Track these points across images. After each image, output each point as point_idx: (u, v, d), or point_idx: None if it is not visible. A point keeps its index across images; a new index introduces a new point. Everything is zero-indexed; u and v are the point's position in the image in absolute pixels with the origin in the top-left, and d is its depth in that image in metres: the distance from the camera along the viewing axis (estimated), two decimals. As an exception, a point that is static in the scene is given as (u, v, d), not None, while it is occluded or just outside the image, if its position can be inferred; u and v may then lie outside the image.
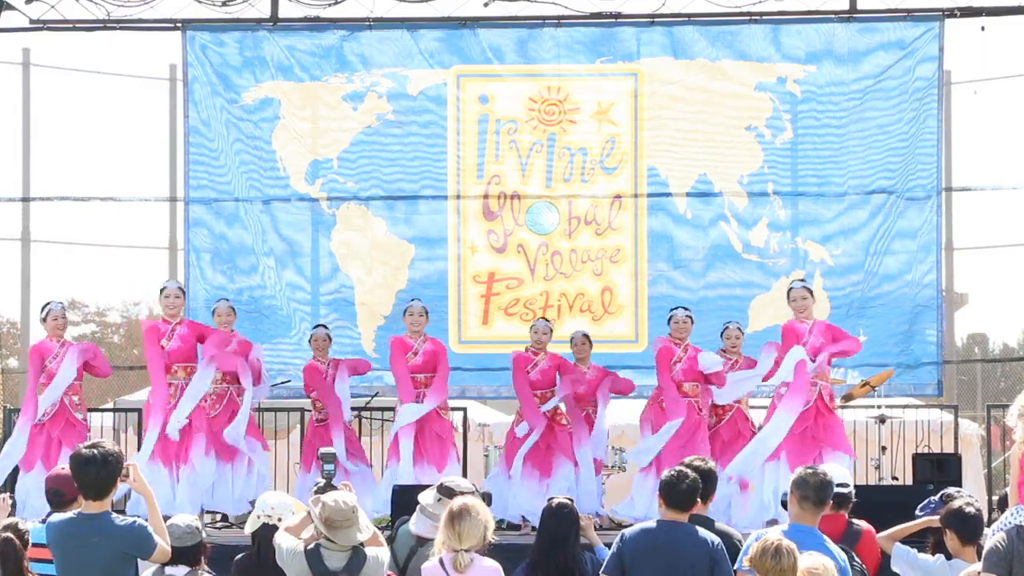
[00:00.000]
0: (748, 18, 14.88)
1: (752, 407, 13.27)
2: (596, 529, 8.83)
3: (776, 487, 11.62)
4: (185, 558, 7.38)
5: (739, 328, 13.30)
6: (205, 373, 12.64)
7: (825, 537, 7.33)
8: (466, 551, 7.01)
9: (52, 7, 14.96)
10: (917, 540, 8.28)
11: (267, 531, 7.41)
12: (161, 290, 13.08)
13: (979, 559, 7.14)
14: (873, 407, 14.08)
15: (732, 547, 7.64)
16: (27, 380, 13.08)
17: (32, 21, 15.17)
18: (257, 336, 14.09)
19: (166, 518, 7.45)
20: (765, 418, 12.48)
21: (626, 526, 9.10)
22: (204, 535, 7.51)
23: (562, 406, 12.97)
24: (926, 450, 14.61)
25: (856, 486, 8.97)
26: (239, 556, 7.68)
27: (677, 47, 15.07)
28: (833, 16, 14.98)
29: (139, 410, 14.59)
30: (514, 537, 12.06)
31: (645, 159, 15.10)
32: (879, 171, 14.84)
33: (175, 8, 15.13)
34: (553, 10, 14.96)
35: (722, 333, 13.25)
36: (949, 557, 7.84)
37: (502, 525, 12.35)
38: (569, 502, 8.15)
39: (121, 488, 7.51)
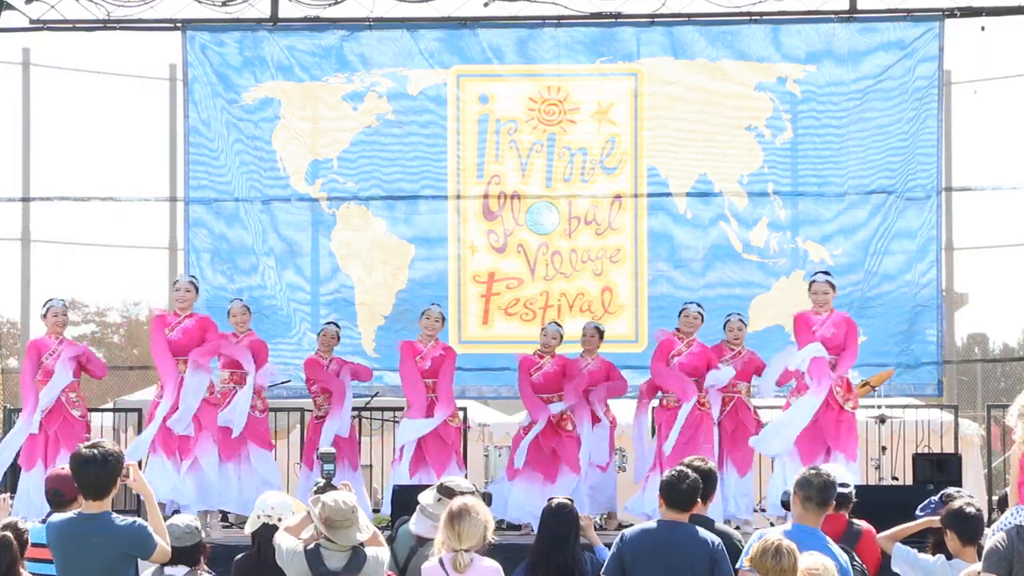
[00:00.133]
0: (748, 18, 14.88)
1: (758, 407, 13.26)
2: (596, 530, 8.83)
3: (785, 479, 11.56)
4: (185, 558, 7.38)
5: (741, 320, 13.27)
6: (194, 378, 12.53)
7: (828, 538, 7.33)
8: (466, 551, 7.00)
9: (52, 7, 14.97)
10: (917, 540, 8.27)
11: (267, 531, 7.41)
12: (173, 283, 13.31)
13: (979, 559, 7.14)
14: (873, 407, 14.06)
15: (732, 547, 7.65)
16: (22, 376, 13.07)
17: (32, 21, 15.17)
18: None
19: (167, 517, 7.46)
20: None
21: (626, 526, 9.10)
22: (204, 535, 7.51)
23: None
24: (926, 450, 14.60)
25: (856, 486, 8.96)
26: (239, 556, 7.68)
27: (677, 47, 15.08)
28: (833, 16, 14.98)
29: (139, 410, 14.60)
30: (514, 537, 12.07)
31: (645, 159, 15.10)
32: (879, 171, 14.85)
33: (175, 8, 15.15)
34: (553, 10, 14.96)
35: (725, 325, 13.23)
36: (949, 557, 7.84)
37: (502, 525, 12.34)
38: (569, 502, 8.15)
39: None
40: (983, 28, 14.81)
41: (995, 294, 25.86)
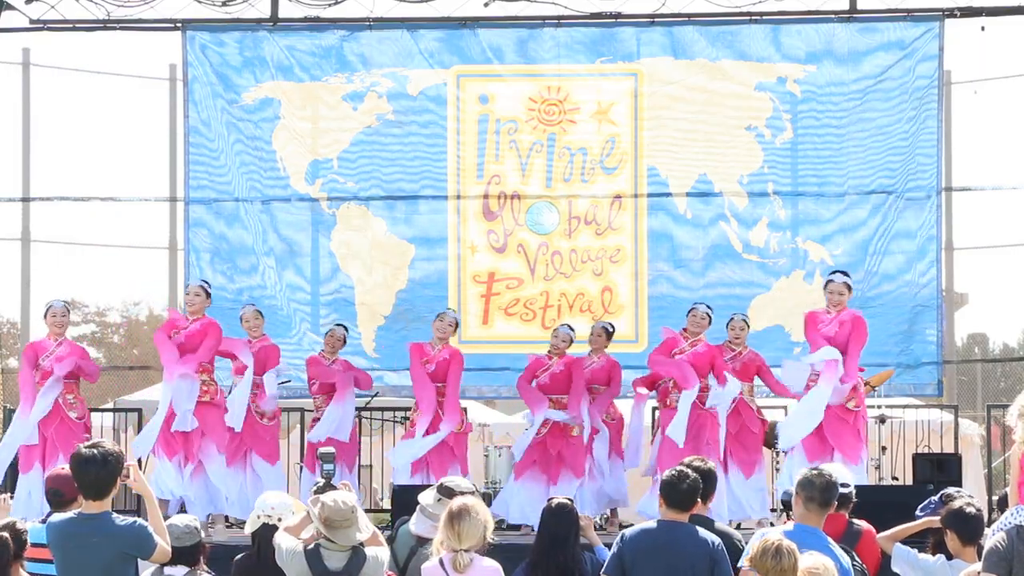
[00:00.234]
0: (748, 18, 14.88)
1: (763, 407, 13.26)
2: (596, 530, 8.82)
3: (790, 475, 11.54)
4: (184, 558, 7.39)
5: (744, 319, 13.25)
6: (183, 384, 12.48)
7: (829, 538, 7.33)
8: (466, 551, 7.01)
9: (52, 7, 14.97)
10: (917, 540, 8.28)
11: (267, 531, 7.41)
12: (186, 287, 13.41)
13: (979, 559, 7.14)
14: (873, 407, 14.05)
15: (732, 547, 7.65)
16: (20, 377, 13.06)
17: (32, 21, 15.17)
18: (257, 336, 14.08)
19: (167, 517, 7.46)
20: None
21: (627, 526, 9.09)
22: (203, 535, 7.51)
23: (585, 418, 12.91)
24: (926, 450, 14.60)
25: (856, 486, 8.96)
26: (239, 556, 7.68)
27: (677, 47, 15.07)
28: (833, 16, 14.98)
29: (139, 410, 14.61)
30: (514, 537, 12.06)
31: (645, 159, 15.10)
32: (879, 171, 14.85)
33: (175, 8, 15.15)
34: (553, 10, 14.96)
35: (728, 324, 13.22)
36: (950, 557, 7.84)
37: (502, 525, 12.34)
38: (569, 502, 8.15)
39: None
40: (983, 28, 14.81)
41: (995, 294, 25.85)
